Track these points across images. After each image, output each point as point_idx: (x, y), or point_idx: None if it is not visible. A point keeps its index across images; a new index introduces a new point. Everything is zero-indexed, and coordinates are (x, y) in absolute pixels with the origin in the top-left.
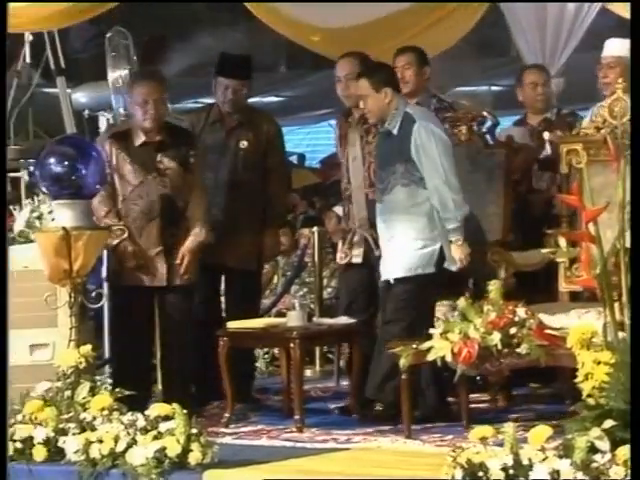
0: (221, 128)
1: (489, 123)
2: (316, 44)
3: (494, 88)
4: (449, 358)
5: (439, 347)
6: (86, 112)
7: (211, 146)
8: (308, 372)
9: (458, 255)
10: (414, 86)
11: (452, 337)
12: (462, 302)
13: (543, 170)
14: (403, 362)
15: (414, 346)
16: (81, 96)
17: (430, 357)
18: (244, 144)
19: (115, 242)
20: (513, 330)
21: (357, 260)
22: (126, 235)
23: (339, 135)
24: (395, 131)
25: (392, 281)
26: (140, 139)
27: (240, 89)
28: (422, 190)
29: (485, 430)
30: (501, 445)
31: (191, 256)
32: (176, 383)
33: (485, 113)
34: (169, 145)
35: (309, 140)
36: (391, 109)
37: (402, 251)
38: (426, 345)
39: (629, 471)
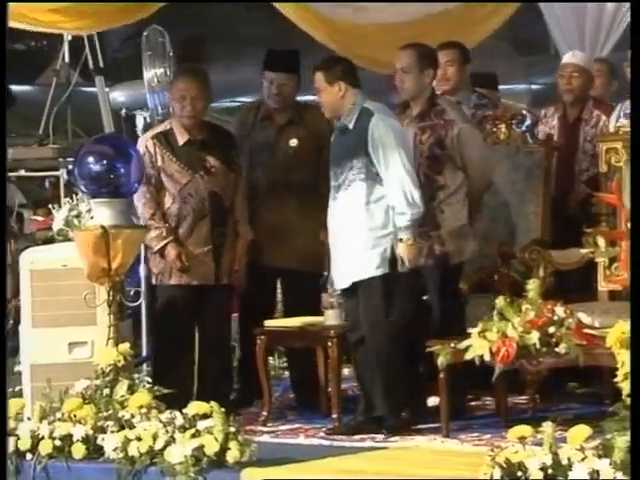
0: (271, 126)
1: (528, 121)
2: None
3: (533, 86)
4: (487, 357)
5: (477, 346)
6: (124, 111)
7: (261, 144)
8: (345, 371)
9: (406, 255)
10: (455, 83)
11: (490, 336)
12: (500, 301)
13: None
14: (441, 360)
15: (452, 345)
16: (119, 95)
17: (468, 356)
18: (294, 142)
19: (161, 245)
20: (552, 329)
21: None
22: (171, 238)
23: None
24: (351, 125)
25: (348, 285)
26: (183, 138)
27: (285, 84)
28: (379, 186)
29: (524, 429)
30: (540, 445)
31: (244, 257)
32: (216, 382)
33: (524, 111)
34: (212, 144)
35: None
36: (347, 104)
37: (358, 251)
38: (464, 344)
39: None
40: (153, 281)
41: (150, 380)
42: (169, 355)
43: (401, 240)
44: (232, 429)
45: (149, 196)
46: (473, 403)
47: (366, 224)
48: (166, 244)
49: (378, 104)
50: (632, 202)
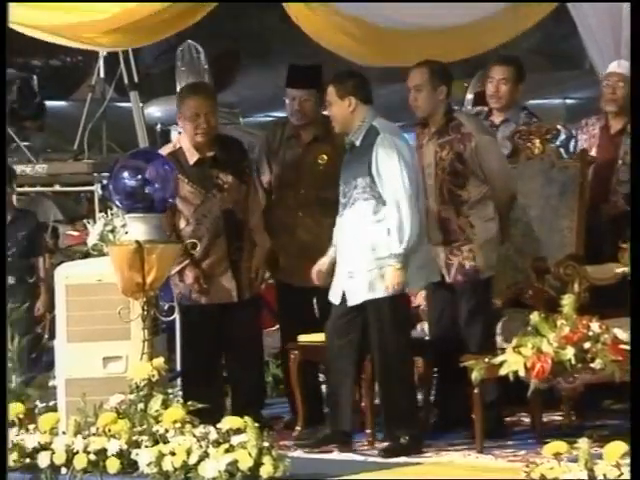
0: (297, 144)
1: (563, 136)
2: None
3: (568, 101)
4: (522, 373)
5: (512, 361)
6: (158, 126)
7: (289, 163)
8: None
9: (391, 280)
10: (506, 102)
11: (525, 351)
12: (535, 316)
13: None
14: (475, 376)
15: (486, 360)
16: (154, 110)
17: (503, 371)
18: (323, 158)
19: (177, 268)
20: (587, 345)
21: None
22: (187, 261)
23: (416, 146)
24: (358, 142)
25: (355, 303)
26: (194, 157)
27: (307, 100)
28: (382, 207)
29: (559, 445)
30: (575, 461)
31: (263, 267)
32: (248, 397)
33: (559, 126)
34: (223, 159)
35: None
36: (356, 120)
37: (362, 271)
38: (499, 359)
39: None
40: (175, 301)
41: (183, 395)
42: (197, 372)
43: (390, 265)
44: (266, 444)
45: (164, 219)
46: (508, 419)
47: (369, 243)
48: (183, 267)
49: (387, 122)
50: (632, 201)
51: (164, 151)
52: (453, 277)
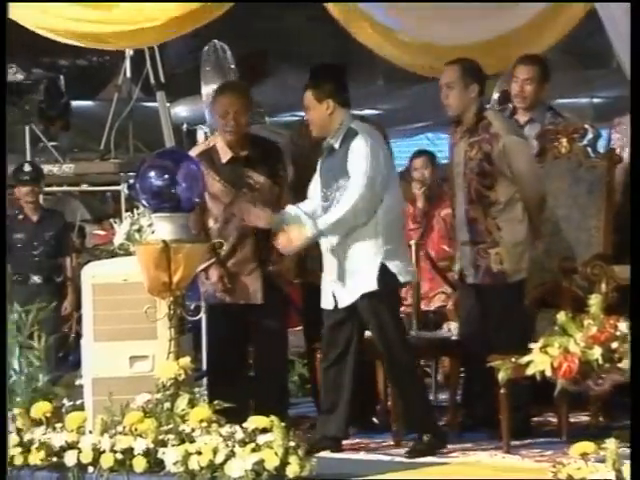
0: (319, 145)
1: (590, 136)
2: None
3: (595, 100)
4: (549, 372)
5: (539, 361)
6: (185, 126)
7: (314, 163)
8: None
9: (289, 235)
10: (531, 102)
11: (552, 351)
12: (562, 316)
13: None
14: (502, 376)
15: (513, 360)
16: (181, 110)
17: (529, 371)
18: None
19: (203, 266)
20: (615, 345)
21: (470, 280)
22: (213, 260)
23: (450, 145)
24: (337, 145)
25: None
26: (227, 155)
27: None
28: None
29: (586, 446)
30: (603, 461)
31: (292, 269)
32: (273, 396)
33: (586, 126)
34: (257, 159)
35: (407, 154)
36: (335, 123)
37: (352, 271)
38: (525, 359)
39: None
40: (201, 299)
41: (208, 394)
42: (222, 371)
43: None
44: (292, 444)
45: (193, 216)
46: (535, 419)
47: (357, 243)
48: (209, 265)
49: (365, 125)
50: (632, 201)
51: (197, 149)
52: (481, 279)
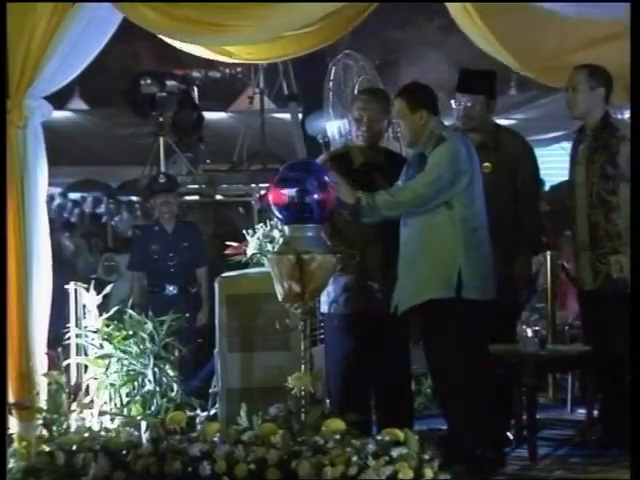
0: None
1: None
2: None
3: None
4: None
5: None
6: (319, 136)
7: None
8: (541, 399)
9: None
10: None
11: None
12: None
13: None
14: None
15: None
16: (315, 121)
17: None
18: (488, 167)
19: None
20: None
21: (588, 287)
22: (340, 266)
23: (571, 153)
24: (427, 153)
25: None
26: (359, 160)
27: (473, 105)
28: (448, 211)
29: None
30: None
31: None
32: (396, 409)
33: None
34: (387, 167)
35: (541, 164)
36: (426, 132)
37: (423, 276)
38: None
39: None
40: (324, 308)
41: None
42: (343, 382)
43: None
44: (426, 456)
45: (329, 227)
46: None
47: (432, 249)
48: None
49: (454, 132)
50: (632, 200)
51: (331, 153)
52: (599, 286)
